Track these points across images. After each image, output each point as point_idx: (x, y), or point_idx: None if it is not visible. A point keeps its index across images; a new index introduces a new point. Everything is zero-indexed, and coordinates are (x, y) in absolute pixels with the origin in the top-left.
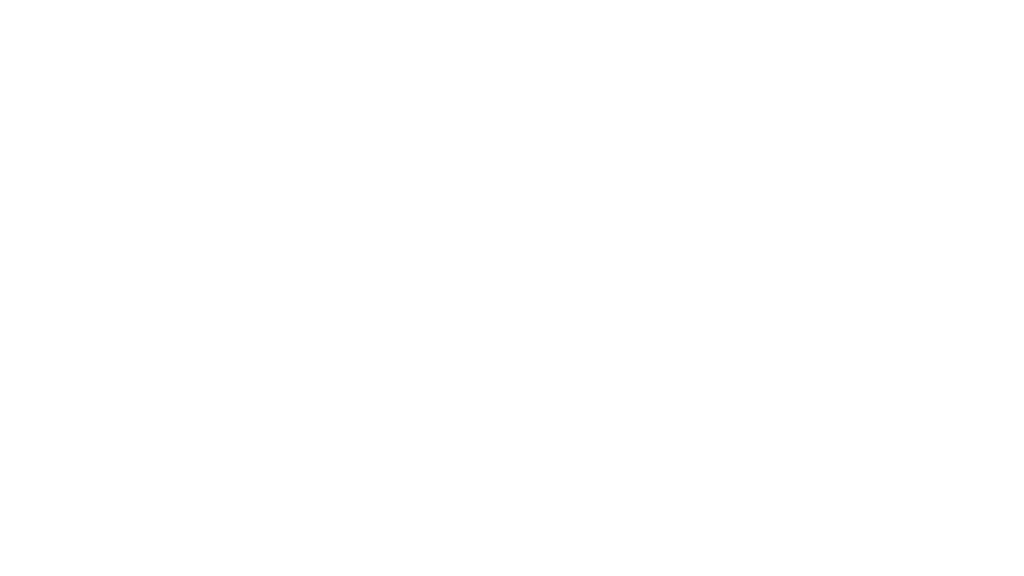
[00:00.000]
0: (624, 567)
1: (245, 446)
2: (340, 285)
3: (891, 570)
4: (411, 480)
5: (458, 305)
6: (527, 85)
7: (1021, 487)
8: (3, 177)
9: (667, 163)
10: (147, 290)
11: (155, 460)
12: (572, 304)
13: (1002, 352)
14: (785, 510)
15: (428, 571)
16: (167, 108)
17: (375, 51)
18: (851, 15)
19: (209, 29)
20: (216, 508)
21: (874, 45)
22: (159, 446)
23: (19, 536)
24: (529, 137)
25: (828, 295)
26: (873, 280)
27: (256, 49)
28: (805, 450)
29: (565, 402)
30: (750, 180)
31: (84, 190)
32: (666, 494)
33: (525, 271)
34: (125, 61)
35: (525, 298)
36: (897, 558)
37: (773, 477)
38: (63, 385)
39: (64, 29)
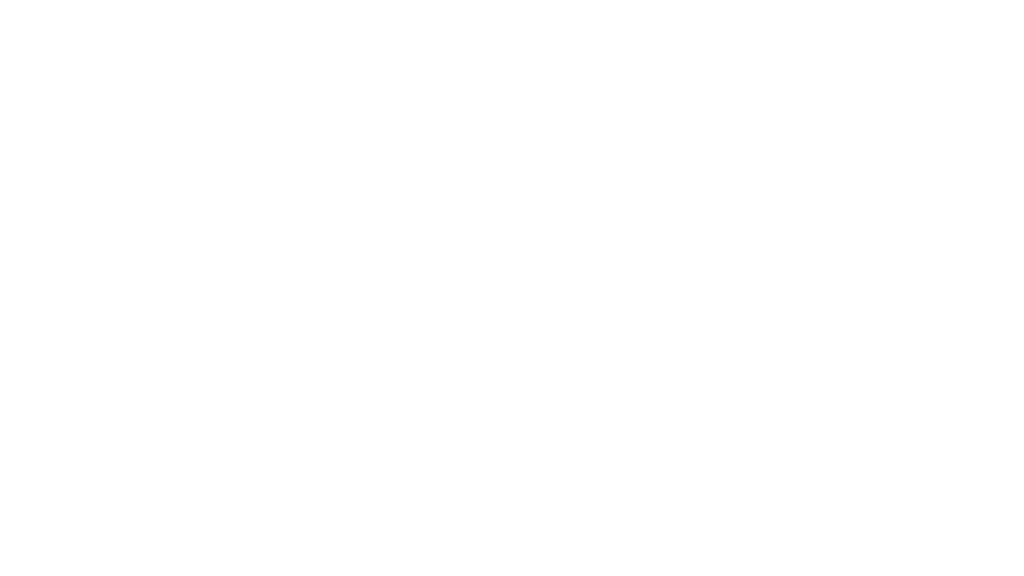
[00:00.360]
0: (623, 567)
1: (245, 446)
2: (340, 285)
3: (891, 570)
4: (411, 480)
5: (458, 305)
6: (527, 85)
7: (1021, 487)
8: (3, 177)
9: (667, 163)
10: (147, 290)
11: (155, 460)
12: (571, 304)
13: (1002, 352)
14: (785, 510)
15: (428, 571)
16: (167, 108)
17: (375, 51)
18: (851, 15)
19: (209, 29)
20: (216, 508)
21: (874, 45)
22: (159, 446)
23: (19, 536)
24: (529, 137)
25: (828, 295)
26: (873, 280)
27: (256, 49)
28: (805, 450)
29: (564, 402)
30: (750, 180)
31: (84, 190)
32: (666, 494)
33: (525, 271)
34: (125, 61)
35: (525, 298)
36: (897, 558)
37: (773, 477)
38: (63, 385)
39: (64, 29)
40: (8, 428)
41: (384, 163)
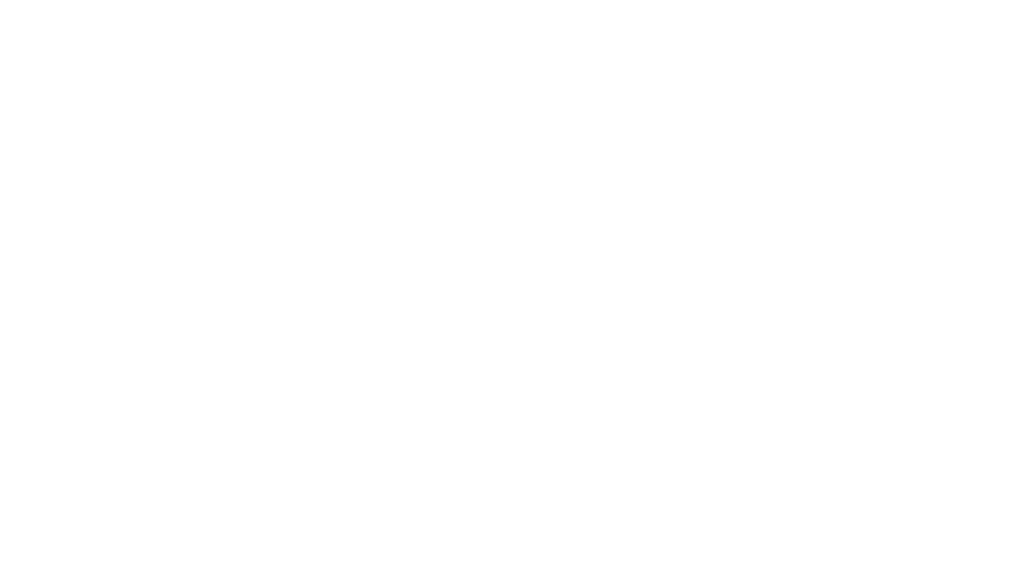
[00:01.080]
0: (623, 567)
1: (245, 446)
2: (340, 285)
3: (891, 570)
4: (411, 480)
5: (458, 305)
6: (527, 85)
7: (1021, 487)
8: (3, 177)
9: (667, 163)
10: (147, 290)
11: (155, 460)
12: (571, 304)
13: (1002, 352)
14: (785, 510)
15: (428, 571)
16: (167, 108)
17: (375, 51)
18: (851, 15)
19: (209, 29)
20: (216, 508)
21: (874, 45)
22: (159, 446)
23: (19, 536)
24: (529, 137)
25: (828, 295)
26: (873, 280)
27: (256, 49)
28: (805, 450)
29: (564, 402)
30: (750, 180)
31: (84, 190)
32: (666, 494)
33: (525, 271)
34: (125, 61)
35: (525, 298)
36: (897, 558)
37: (773, 477)
38: (63, 385)
39: (64, 29)
40: (8, 428)
41: (384, 163)
